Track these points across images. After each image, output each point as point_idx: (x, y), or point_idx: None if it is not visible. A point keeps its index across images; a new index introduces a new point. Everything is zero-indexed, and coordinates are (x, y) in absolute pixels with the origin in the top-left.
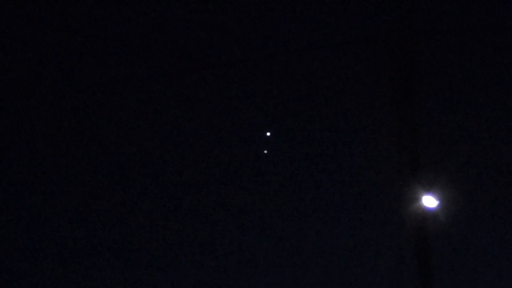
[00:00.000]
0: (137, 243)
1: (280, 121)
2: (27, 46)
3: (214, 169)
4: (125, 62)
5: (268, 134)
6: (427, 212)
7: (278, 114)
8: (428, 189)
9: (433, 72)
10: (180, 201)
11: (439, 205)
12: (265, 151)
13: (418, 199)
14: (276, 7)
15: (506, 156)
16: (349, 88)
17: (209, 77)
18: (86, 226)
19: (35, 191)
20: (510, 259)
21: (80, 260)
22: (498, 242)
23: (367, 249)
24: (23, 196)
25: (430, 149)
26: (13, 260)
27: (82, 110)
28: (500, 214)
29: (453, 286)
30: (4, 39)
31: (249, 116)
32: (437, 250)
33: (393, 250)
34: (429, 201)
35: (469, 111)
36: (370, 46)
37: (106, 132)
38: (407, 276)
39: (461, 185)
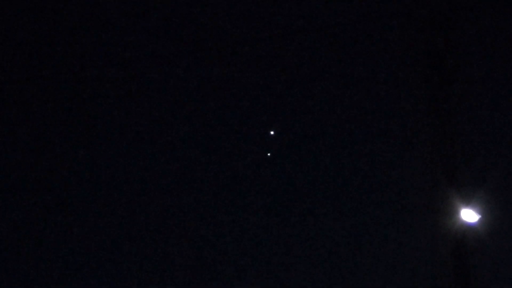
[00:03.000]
0: (137, 244)
1: (294, 120)
2: (27, 45)
3: (215, 170)
4: (123, 60)
5: (272, 133)
6: (466, 227)
7: (290, 111)
8: (467, 203)
9: (471, 59)
10: (179, 203)
11: (479, 220)
12: (268, 154)
13: (456, 213)
14: None
15: None
16: (377, 82)
17: (210, 67)
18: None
19: (35, 191)
20: None
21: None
22: None
23: (405, 264)
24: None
25: (469, 160)
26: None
27: (80, 108)
28: None
29: None
30: (3, 39)
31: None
32: (476, 266)
33: (431, 265)
34: (469, 215)
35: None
36: (398, 26)
37: (104, 132)
38: None
39: (502, 198)
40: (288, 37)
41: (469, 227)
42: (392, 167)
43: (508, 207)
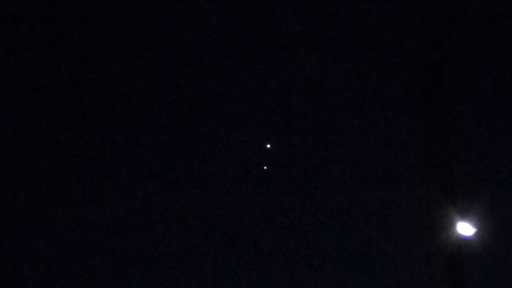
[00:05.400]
0: (136, 248)
1: (290, 132)
2: (26, 43)
3: (211, 182)
4: (124, 62)
5: (268, 146)
6: (462, 240)
7: (287, 124)
8: (464, 216)
9: (468, 72)
10: (176, 214)
11: (475, 233)
12: (265, 167)
13: (452, 227)
14: None
15: None
16: (374, 96)
17: (209, 76)
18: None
19: (34, 190)
20: None
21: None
22: None
23: (401, 277)
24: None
25: (466, 173)
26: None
27: (81, 108)
28: None
29: None
30: (4, 38)
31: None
32: (472, 279)
33: (427, 278)
34: (465, 229)
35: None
36: (395, 38)
37: (103, 134)
38: None
39: (498, 211)
40: (286, 50)
41: (465, 240)
42: (388, 181)
43: (504, 221)
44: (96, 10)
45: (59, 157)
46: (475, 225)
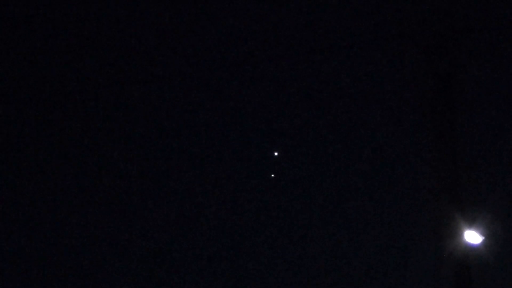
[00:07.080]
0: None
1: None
2: (31, 47)
3: (219, 191)
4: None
5: (276, 154)
6: (469, 249)
7: (294, 132)
8: (471, 224)
9: (476, 81)
10: (182, 221)
11: (482, 241)
12: (272, 175)
13: (460, 235)
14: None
15: None
16: (382, 105)
17: (214, 83)
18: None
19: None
20: None
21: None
22: None
23: (408, 285)
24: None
25: (473, 181)
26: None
27: (84, 111)
28: None
29: None
30: (5, 39)
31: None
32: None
33: (434, 287)
34: (472, 237)
35: None
36: (403, 49)
37: (105, 137)
38: None
39: (506, 219)
40: (294, 59)
41: (472, 248)
42: (396, 189)
43: (511, 229)
44: (97, 13)
45: (60, 158)
46: (482, 234)
